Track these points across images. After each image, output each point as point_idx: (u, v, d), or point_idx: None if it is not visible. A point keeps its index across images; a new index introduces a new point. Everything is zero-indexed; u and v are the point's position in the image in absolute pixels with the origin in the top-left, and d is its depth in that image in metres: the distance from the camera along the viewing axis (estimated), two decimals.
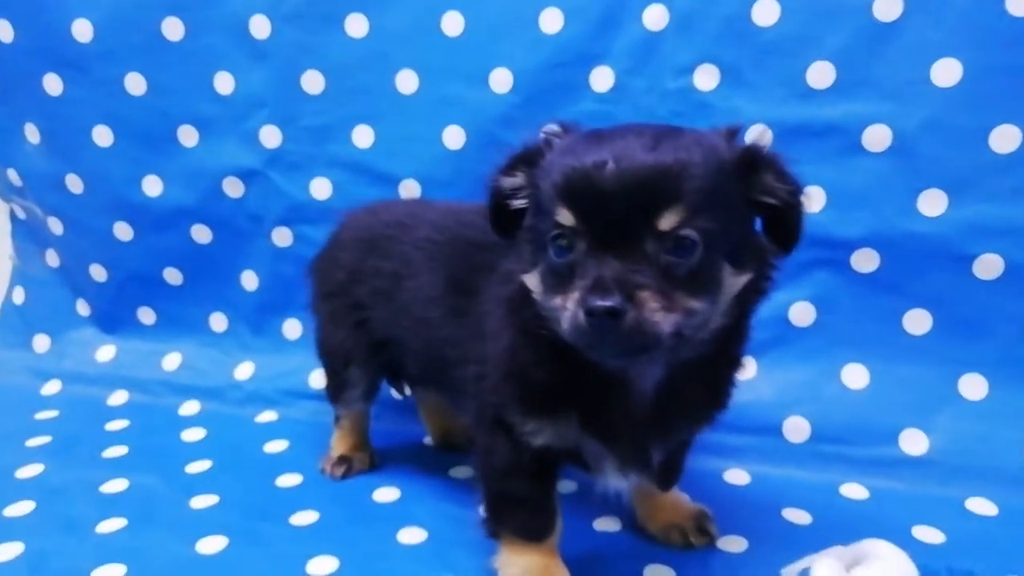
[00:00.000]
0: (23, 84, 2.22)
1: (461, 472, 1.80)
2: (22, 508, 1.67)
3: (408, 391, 1.90)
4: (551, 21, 1.85)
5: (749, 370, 1.74)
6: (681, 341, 1.03)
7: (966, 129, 1.65)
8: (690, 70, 1.80)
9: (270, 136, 2.11)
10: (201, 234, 2.24)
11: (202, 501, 1.68)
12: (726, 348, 1.19)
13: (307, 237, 2.14)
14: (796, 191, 1.07)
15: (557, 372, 1.17)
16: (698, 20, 1.76)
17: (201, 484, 1.76)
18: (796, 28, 1.71)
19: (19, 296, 2.53)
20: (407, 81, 1.98)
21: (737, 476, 1.75)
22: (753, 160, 1.07)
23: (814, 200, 1.73)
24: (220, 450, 1.93)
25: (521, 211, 1.18)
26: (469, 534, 1.47)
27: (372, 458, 1.83)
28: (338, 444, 1.83)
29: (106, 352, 2.41)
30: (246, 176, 2.15)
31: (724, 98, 1.79)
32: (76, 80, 2.19)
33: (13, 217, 2.50)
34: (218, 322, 2.33)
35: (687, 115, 1.80)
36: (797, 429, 1.82)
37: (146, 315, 2.39)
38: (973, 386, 1.75)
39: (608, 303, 0.96)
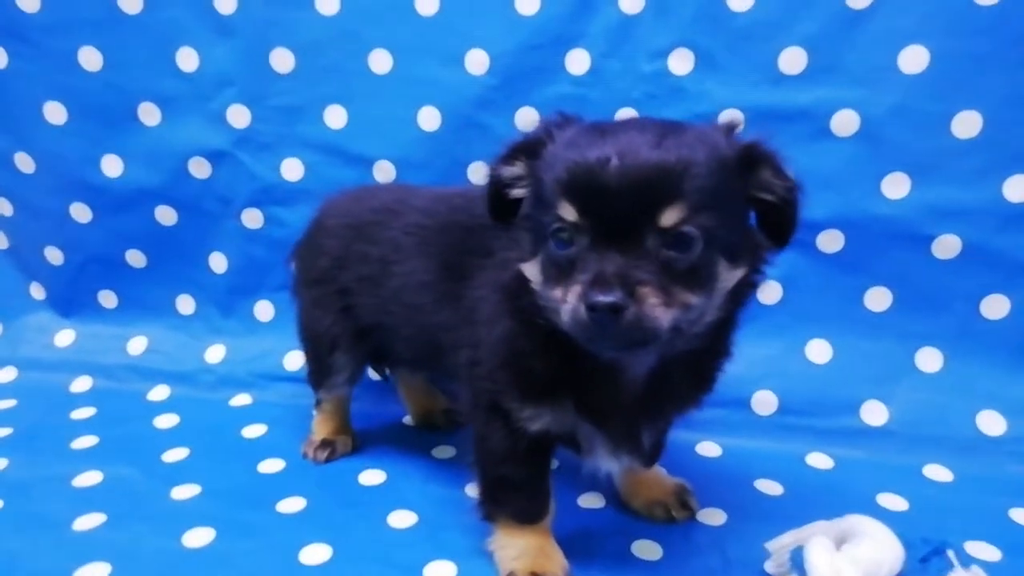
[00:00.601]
0: None
1: (444, 452, 1.82)
2: None
3: (389, 374, 1.90)
4: (528, 3, 1.83)
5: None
6: (677, 334, 1.06)
7: (931, 115, 1.71)
8: (665, 54, 1.81)
9: (238, 116, 2.05)
10: (166, 215, 2.18)
11: (184, 491, 1.64)
12: (718, 339, 1.23)
13: (279, 219, 2.11)
14: (793, 188, 1.10)
15: (554, 359, 1.19)
16: (674, 4, 1.78)
17: (180, 473, 1.71)
18: (770, 14, 1.74)
19: None
20: (380, 61, 1.94)
21: (709, 448, 1.82)
22: (752, 157, 1.09)
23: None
24: (196, 437, 1.88)
25: (519, 199, 1.19)
26: (460, 516, 1.49)
27: (354, 440, 1.83)
28: (320, 427, 1.82)
29: (65, 337, 2.34)
30: (213, 157, 2.09)
31: (697, 82, 1.81)
32: (21, 53, 2.09)
33: None
34: (185, 304, 2.28)
35: (661, 98, 1.83)
36: (765, 402, 1.90)
37: (107, 298, 2.32)
38: (930, 359, 1.84)
39: (610, 299, 0.98)
